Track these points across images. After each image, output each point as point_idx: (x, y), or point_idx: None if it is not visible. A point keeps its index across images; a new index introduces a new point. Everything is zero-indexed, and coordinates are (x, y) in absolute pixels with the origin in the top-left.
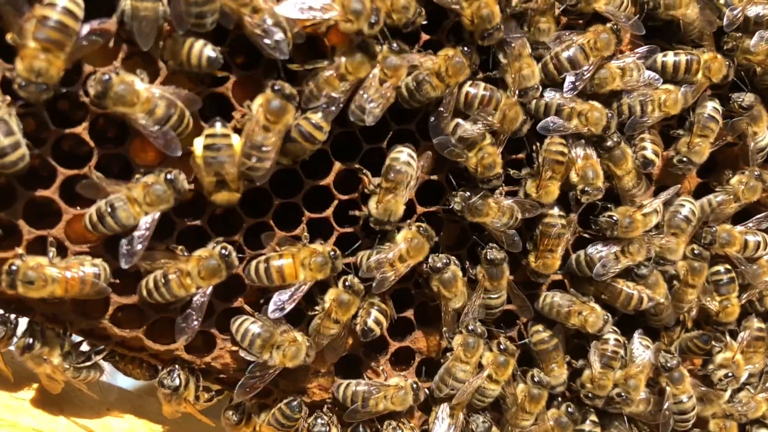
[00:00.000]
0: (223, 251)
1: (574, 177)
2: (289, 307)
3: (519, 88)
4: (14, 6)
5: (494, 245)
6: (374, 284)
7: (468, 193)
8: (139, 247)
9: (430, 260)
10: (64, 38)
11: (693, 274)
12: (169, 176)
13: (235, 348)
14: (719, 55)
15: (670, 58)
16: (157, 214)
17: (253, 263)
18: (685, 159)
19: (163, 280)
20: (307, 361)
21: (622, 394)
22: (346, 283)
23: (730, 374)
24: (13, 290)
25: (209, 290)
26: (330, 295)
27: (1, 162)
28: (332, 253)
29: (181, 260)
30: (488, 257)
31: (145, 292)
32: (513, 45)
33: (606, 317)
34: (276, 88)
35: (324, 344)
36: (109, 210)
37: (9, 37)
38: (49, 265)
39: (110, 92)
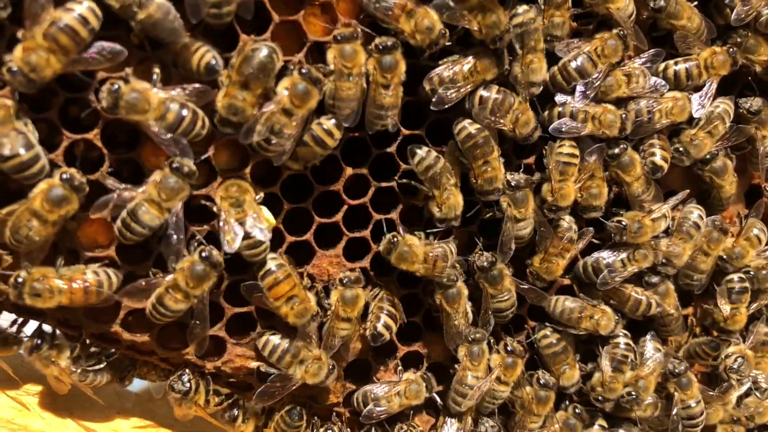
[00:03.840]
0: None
1: (576, 194)
2: None
3: (525, 80)
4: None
5: (482, 251)
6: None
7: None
8: (180, 238)
9: None
10: (71, 44)
11: (710, 242)
12: (174, 165)
13: (243, 351)
14: (717, 48)
15: (671, 69)
16: (179, 205)
17: (270, 257)
18: (682, 149)
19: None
20: (326, 383)
21: (633, 393)
22: (344, 281)
23: (740, 358)
24: (22, 302)
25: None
26: (334, 296)
27: (23, 174)
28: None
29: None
30: (479, 266)
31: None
32: (530, 38)
33: (617, 318)
34: (303, 71)
35: (337, 346)
36: (132, 218)
37: (20, 33)
38: (55, 277)
39: (121, 101)
